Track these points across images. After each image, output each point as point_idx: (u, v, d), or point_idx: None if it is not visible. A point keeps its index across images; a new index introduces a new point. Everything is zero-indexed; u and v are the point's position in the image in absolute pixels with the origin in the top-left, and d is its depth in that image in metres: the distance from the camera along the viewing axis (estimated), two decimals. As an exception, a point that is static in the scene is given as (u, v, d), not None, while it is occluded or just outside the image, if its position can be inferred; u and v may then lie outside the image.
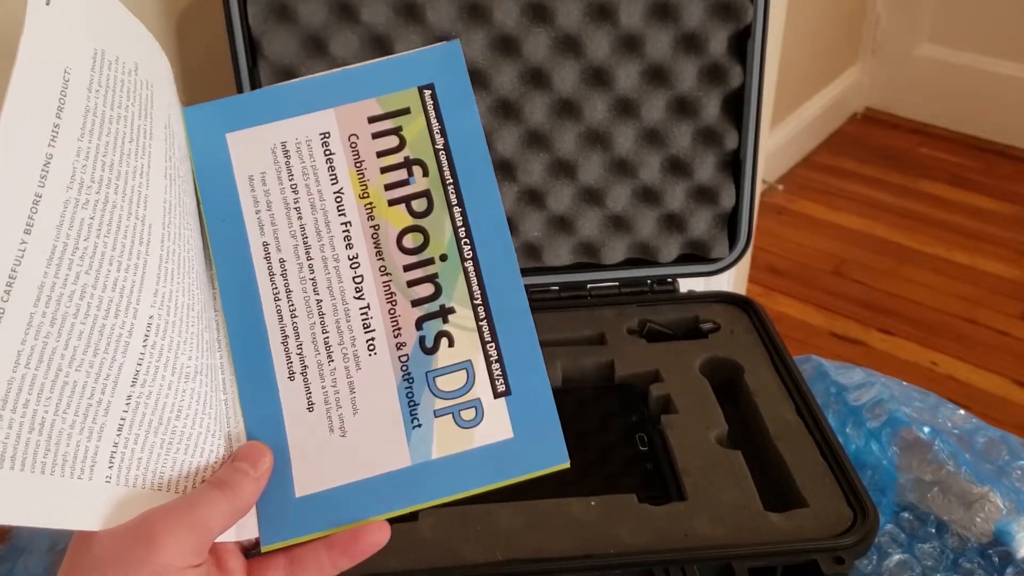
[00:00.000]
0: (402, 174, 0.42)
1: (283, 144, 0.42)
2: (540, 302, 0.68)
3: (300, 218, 0.41)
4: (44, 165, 0.32)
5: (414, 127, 0.42)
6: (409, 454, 0.38)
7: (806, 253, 1.64)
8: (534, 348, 0.39)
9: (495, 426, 0.38)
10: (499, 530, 0.50)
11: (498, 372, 0.39)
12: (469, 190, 0.41)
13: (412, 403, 0.39)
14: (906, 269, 1.59)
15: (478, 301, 0.40)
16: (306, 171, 0.42)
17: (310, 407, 0.39)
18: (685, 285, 0.70)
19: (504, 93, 0.63)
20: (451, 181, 0.41)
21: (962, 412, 0.68)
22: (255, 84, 0.61)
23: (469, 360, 0.39)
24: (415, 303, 0.40)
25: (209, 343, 0.39)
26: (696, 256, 0.68)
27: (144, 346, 0.34)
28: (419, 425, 0.38)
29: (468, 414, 0.38)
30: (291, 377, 0.40)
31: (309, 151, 0.42)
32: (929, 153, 1.92)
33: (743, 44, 0.62)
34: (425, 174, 0.41)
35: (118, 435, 0.34)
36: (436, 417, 0.39)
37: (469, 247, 0.40)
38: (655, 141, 0.65)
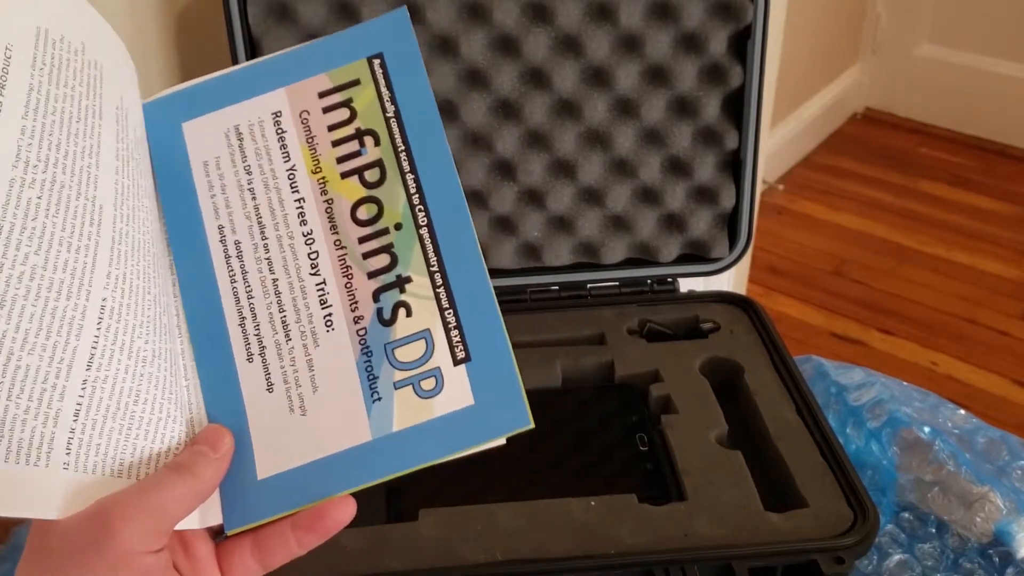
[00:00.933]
0: (353, 146, 0.41)
1: (236, 127, 0.42)
2: (540, 302, 0.68)
3: (254, 199, 0.41)
4: None
5: (364, 97, 0.41)
6: (370, 429, 0.37)
7: (806, 253, 1.64)
8: (493, 312, 0.38)
9: (456, 394, 0.37)
10: (499, 530, 0.50)
11: (457, 339, 0.38)
12: (421, 156, 0.41)
13: (371, 377, 0.38)
14: (906, 269, 1.59)
15: (435, 268, 0.39)
16: (259, 152, 0.41)
17: (269, 388, 0.39)
18: (685, 285, 0.70)
19: (504, 93, 0.63)
20: (403, 148, 0.41)
21: (962, 412, 0.68)
22: (255, 84, 0.61)
23: (428, 329, 0.38)
24: (371, 275, 0.39)
25: (168, 328, 0.38)
26: (696, 256, 0.68)
27: (98, 329, 0.34)
28: (379, 399, 0.38)
29: (428, 384, 0.38)
30: (249, 359, 0.39)
31: (262, 132, 0.42)
32: (929, 153, 1.92)
33: (743, 44, 0.62)
34: (377, 143, 0.41)
35: (75, 420, 0.33)
36: (396, 389, 0.38)
37: (424, 214, 0.40)
38: (655, 141, 0.65)
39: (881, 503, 0.63)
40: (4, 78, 0.33)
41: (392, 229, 0.40)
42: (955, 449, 0.63)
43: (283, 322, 0.39)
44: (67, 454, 0.33)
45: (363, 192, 0.40)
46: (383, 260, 0.40)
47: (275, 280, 0.40)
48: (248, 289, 0.40)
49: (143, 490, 0.33)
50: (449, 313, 0.39)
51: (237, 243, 0.41)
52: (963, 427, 0.67)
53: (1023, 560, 0.58)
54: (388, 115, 0.41)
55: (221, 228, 0.41)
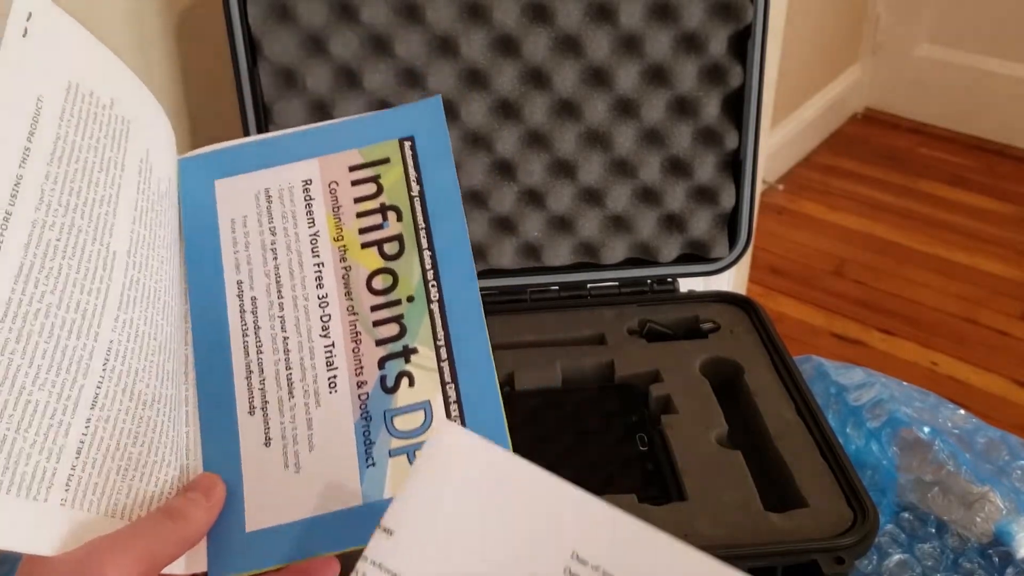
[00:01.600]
0: (377, 219, 0.43)
1: (267, 190, 0.44)
2: (540, 302, 0.68)
3: (275, 259, 0.43)
4: (15, 185, 0.33)
5: (392, 175, 0.43)
6: (361, 493, 0.38)
7: (806, 253, 1.64)
8: (492, 390, 0.40)
9: None
10: (499, 530, 0.49)
11: (455, 413, 0.39)
12: (440, 235, 0.42)
13: (368, 442, 0.39)
14: (906, 269, 1.59)
15: (441, 343, 0.40)
16: (285, 215, 0.43)
17: (267, 442, 0.39)
18: (685, 285, 0.70)
19: (504, 93, 0.63)
20: (423, 226, 0.43)
21: (962, 412, 0.68)
22: (255, 84, 0.61)
23: (428, 400, 0.39)
24: (379, 342, 0.41)
25: (173, 374, 0.39)
26: (696, 256, 0.68)
27: (104, 370, 0.35)
28: (373, 464, 0.38)
29: None
30: (251, 412, 0.40)
31: (290, 197, 0.44)
32: (929, 153, 1.92)
33: (743, 44, 0.62)
34: (399, 219, 0.43)
35: (76, 458, 0.34)
36: (391, 457, 0.39)
37: (436, 289, 0.41)
38: (655, 141, 0.65)
39: (881, 503, 0.63)
40: (34, 127, 0.35)
41: (404, 301, 0.41)
42: (955, 449, 0.63)
43: (288, 379, 0.40)
44: (66, 490, 0.33)
45: (381, 263, 0.42)
46: (392, 329, 0.41)
47: (285, 338, 0.41)
48: (258, 344, 0.41)
49: (134, 533, 0.34)
50: (450, 387, 0.40)
51: (253, 299, 0.42)
52: (963, 427, 0.67)
53: (1023, 560, 0.58)
54: (413, 194, 0.43)
55: (240, 283, 0.42)
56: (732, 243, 0.68)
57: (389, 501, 0.37)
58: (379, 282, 0.42)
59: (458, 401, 0.39)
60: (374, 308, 0.41)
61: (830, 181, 1.85)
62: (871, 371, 0.72)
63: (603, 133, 0.65)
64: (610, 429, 0.59)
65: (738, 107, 0.64)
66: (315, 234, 0.43)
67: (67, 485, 0.33)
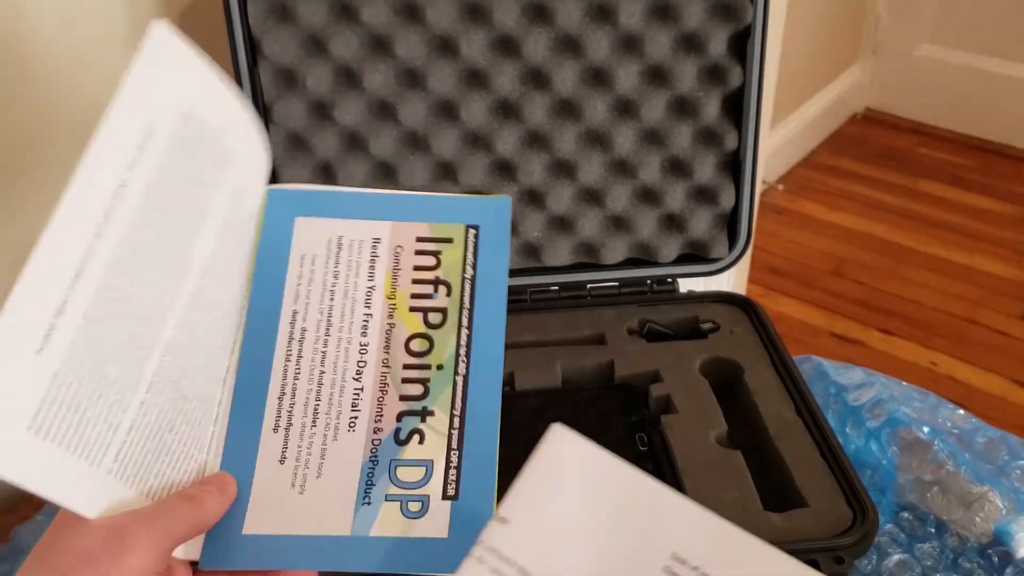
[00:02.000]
0: (429, 288, 0.47)
1: (339, 238, 0.48)
2: (540, 302, 0.68)
3: (332, 300, 0.47)
4: (120, 186, 0.37)
5: (452, 255, 0.48)
6: (351, 525, 0.42)
7: (806, 253, 1.64)
8: (491, 465, 0.43)
9: (434, 524, 0.42)
10: (499, 530, 0.50)
11: (453, 478, 0.43)
12: (480, 318, 0.46)
13: (369, 483, 0.43)
14: (906, 269, 1.59)
15: (456, 412, 0.44)
16: (350, 264, 0.47)
17: (282, 460, 0.43)
18: (685, 285, 0.70)
19: (504, 93, 0.63)
20: (468, 306, 0.47)
21: (962, 412, 0.68)
22: (255, 84, 0.61)
23: (431, 460, 0.43)
24: (403, 398, 0.45)
25: (212, 378, 0.43)
26: (696, 256, 0.68)
27: (161, 360, 0.39)
28: (368, 503, 0.42)
29: (415, 506, 0.42)
30: (275, 429, 0.44)
31: (359, 249, 0.48)
32: (929, 153, 1.92)
33: (743, 44, 0.62)
34: (448, 294, 0.47)
35: (128, 434, 0.37)
36: (386, 501, 0.42)
37: (464, 364, 0.45)
38: (655, 141, 0.66)
39: (881, 503, 0.63)
40: (147, 140, 0.38)
41: (434, 367, 0.45)
42: (954, 449, 0.63)
43: (315, 409, 0.44)
44: (115, 461, 0.37)
45: (422, 328, 0.46)
46: (417, 389, 0.45)
47: (322, 372, 0.45)
48: (297, 371, 0.45)
49: (159, 512, 0.37)
50: (455, 453, 0.43)
51: (303, 330, 0.46)
52: (962, 427, 0.67)
53: (1022, 560, 0.58)
54: (466, 276, 0.47)
55: (295, 313, 0.46)
56: (732, 243, 0.68)
57: (374, 538, 0.41)
58: (416, 345, 0.46)
59: (458, 467, 0.43)
60: (406, 366, 0.45)
61: (830, 181, 1.85)
62: (871, 371, 0.72)
63: (603, 133, 0.65)
64: (610, 429, 0.59)
65: (738, 107, 0.64)
66: (371, 287, 0.47)
67: (117, 457, 0.37)
